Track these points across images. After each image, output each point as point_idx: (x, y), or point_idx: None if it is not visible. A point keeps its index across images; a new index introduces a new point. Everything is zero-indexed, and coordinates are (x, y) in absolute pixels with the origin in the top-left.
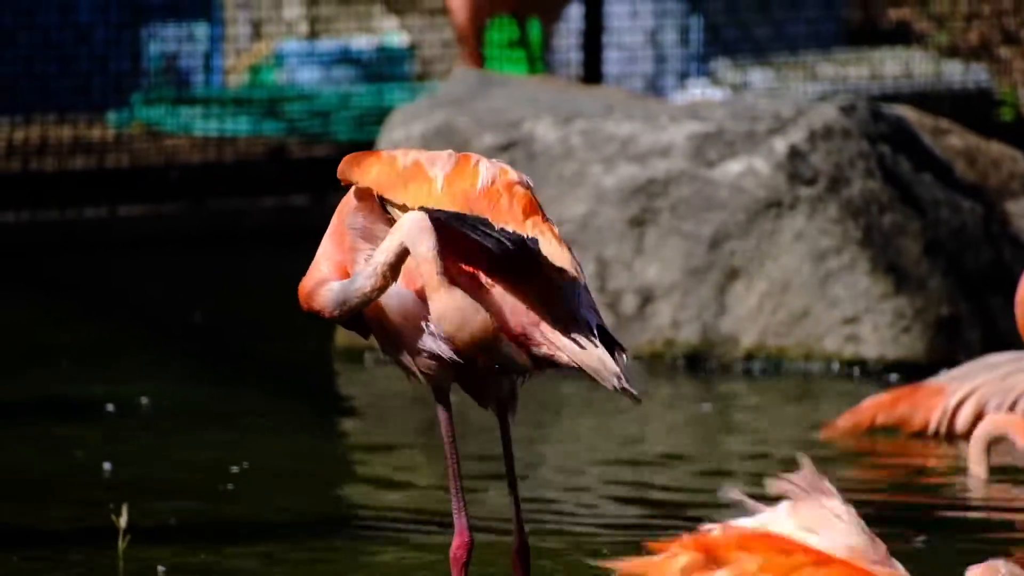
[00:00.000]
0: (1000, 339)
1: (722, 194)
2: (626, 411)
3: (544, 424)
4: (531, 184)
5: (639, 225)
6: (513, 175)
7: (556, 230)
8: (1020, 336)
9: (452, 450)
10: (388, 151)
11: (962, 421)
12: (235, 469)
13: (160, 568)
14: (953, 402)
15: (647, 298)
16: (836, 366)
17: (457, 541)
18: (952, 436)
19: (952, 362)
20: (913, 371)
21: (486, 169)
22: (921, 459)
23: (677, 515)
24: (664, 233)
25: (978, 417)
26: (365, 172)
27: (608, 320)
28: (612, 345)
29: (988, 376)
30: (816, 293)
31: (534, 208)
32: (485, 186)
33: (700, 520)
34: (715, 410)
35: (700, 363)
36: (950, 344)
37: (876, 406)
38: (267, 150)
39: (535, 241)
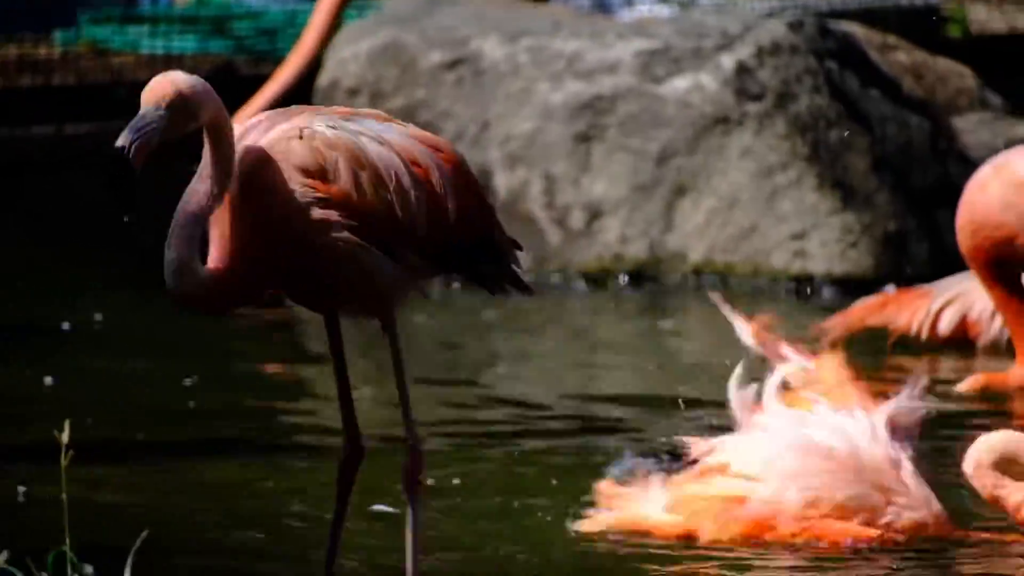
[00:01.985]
0: (947, 254)
1: (669, 111)
2: (583, 327)
3: (498, 343)
4: None
5: (586, 141)
6: None
7: None
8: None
9: (339, 364)
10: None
11: (945, 324)
12: (187, 382)
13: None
14: (937, 305)
15: (595, 214)
16: (783, 281)
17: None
18: (935, 339)
19: (899, 277)
20: (860, 286)
21: None
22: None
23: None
24: (611, 149)
25: (961, 321)
26: None
27: (556, 236)
28: None
29: (975, 282)
30: (763, 209)
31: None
32: None
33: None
34: (671, 324)
35: (647, 279)
36: (897, 259)
37: (865, 309)
38: (214, 68)
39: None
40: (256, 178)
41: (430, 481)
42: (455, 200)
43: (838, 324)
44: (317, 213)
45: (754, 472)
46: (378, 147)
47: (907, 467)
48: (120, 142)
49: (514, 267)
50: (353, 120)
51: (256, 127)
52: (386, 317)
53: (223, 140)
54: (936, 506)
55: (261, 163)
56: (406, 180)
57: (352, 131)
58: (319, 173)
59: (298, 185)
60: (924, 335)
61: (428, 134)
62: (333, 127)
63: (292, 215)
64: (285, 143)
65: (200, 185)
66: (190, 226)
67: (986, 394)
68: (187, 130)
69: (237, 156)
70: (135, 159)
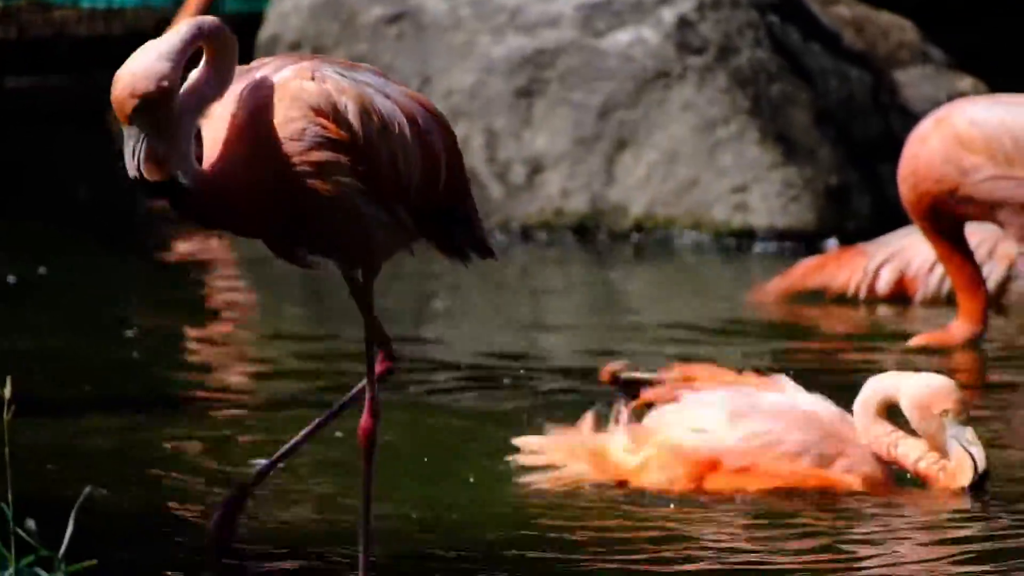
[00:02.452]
0: (889, 207)
1: (611, 64)
2: (524, 281)
3: (439, 298)
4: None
5: (528, 96)
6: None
7: None
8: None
9: None
10: None
11: (883, 283)
12: (129, 334)
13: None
14: (874, 264)
15: (536, 168)
16: (725, 235)
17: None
18: (873, 298)
19: (842, 231)
20: (802, 240)
21: None
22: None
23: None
24: (553, 103)
25: (899, 279)
26: None
27: (498, 190)
28: None
29: (910, 240)
30: (705, 163)
31: None
32: None
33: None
34: (614, 279)
35: (589, 232)
36: (839, 213)
37: (804, 270)
38: (156, 22)
39: None
40: (268, 110)
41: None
42: (446, 162)
43: (779, 286)
44: (325, 154)
45: (703, 423)
46: (383, 99)
47: (855, 427)
48: (131, 174)
49: (480, 232)
50: (357, 71)
51: (265, 65)
52: (368, 269)
53: (222, 51)
54: (880, 465)
55: (275, 96)
56: (407, 135)
57: (359, 81)
58: (330, 115)
59: (310, 123)
60: (862, 294)
61: (423, 96)
62: (342, 74)
63: (299, 152)
64: (299, 82)
65: (197, 87)
66: (187, 125)
67: (930, 351)
68: (175, 101)
69: (248, 89)
70: (152, 174)
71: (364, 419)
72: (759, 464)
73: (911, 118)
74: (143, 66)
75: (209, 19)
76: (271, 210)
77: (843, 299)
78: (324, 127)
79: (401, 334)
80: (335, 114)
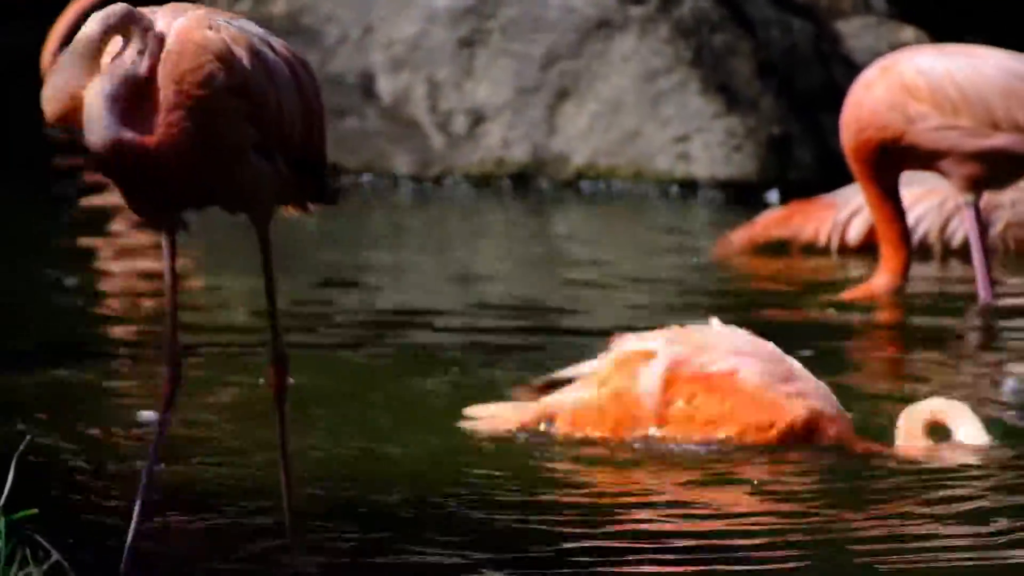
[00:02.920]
0: (831, 157)
1: (552, 14)
2: (466, 230)
3: (381, 247)
4: None
5: (469, 46)
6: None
7: None
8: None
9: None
10: None
11: (854, 233)
12: (70, 283)
13: None
14: (844, 215)
15: (478, 119)
16: (667, 185)
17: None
18: (843, 249)
19: (784, 181)
20: (744, 190)
21: None
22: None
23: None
24: (494, 54)
25: (869, 230)
26: None
27: (439, 141)
28: None
29: None
30: (647, 113)
31: None
32: None
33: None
34: (552, 226)
35: (530, 183)
36: (781, 162)
37: (770, 220)
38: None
39: None
40: (184, 60)
41: (323, 387)
42: (318, 112)
43: (743, 236)
44: (230, 101)
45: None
46: (267, 49)
47: (795, 363)
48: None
49: (331, 182)
50: (242, 21)
51: (162, 14)
52: (262, 219)
53: (136, 30)
54: (833, 407)
55: (190, 47)
56: (291, 86)
57: (246, 31)
58: (229, 64)
59: (214, 70)
60: (833, 245)
61: (290, 47)
62: (230, 24)
63: (209, 100)
64: (201, 32)
65: (127, 57)
66: (117, 89)
67: (858, 305)
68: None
69: (155, 39)
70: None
71: (273, 368)
72: (711, 380)
73: (853, 68)
74: (57, 88)
75: (116, 9)
76: (178, 160)
77: (808, 250)
78: (229, 75)
79: (344, 283)
80: (234, 62)
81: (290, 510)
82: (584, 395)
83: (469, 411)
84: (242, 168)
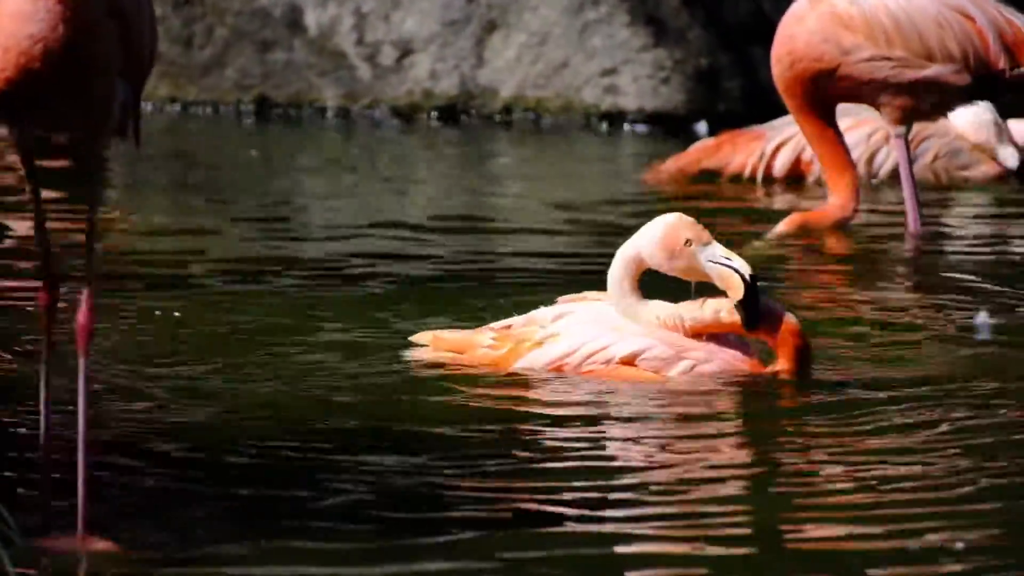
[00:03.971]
0: (760, 89)
1: None
2: (393, 162)
3: (310, 177)
4: None
5: None
6: None
7: None
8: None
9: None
10: None
11: (779, 165)
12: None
13: None
14: (771, 146)
15: (405, 50)
16: (595, 118)
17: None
18: (769, 179)
19: (711, 112)
20: (672, 122)
21: None
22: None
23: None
24: None
25: (795, 161)
26: None
27: (367, 72)
28: None
29: None
30: (575, 45)
31: None
32: None
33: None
34: (480, 157)
35: (458, 115)
36: (709, 95)
37: (700, 151)
38: None
39: None
40: None
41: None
42: (155, 34)
43: (673, 166)
44: (109, 23)
45: (556, 328)
46: None
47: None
48: None
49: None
50: None
51: None
52: (102, 146)
53: None
54: (736, 351)
55: None
56: (146, 13)
57: None
58: None
59: None
60: (759, 176)
61: None
62: None
63: (90, 20)
64: None
65: None
66: None
67: (803, 233)
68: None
69: None
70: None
71: (83, 314)
72: (599, 371)
73: (782, 1)
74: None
75: None
76: (60, 74)
77: (737, 180)
78: None
79: (275, 210)
80: None
81: (85, 463)
82: (489, 350)
83: (399, 347)
84: (105, 91)
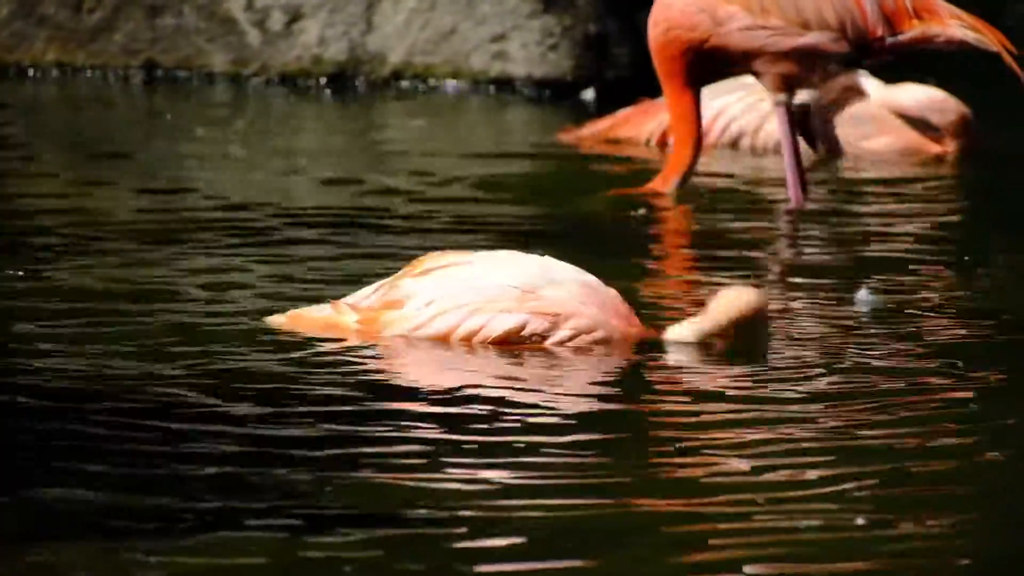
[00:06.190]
0: (649, 56)
1: None
2: (281, 128)
3: (198, 142)
4: None
5: None
6: None
7: None
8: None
9: None
10: None
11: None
12: None
13: None
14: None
15: (294, 16)
16: (483, 83)
17: None
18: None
19: (600, 79)
20: (561, 88)
21: None
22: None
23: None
24: None
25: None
26: None
27: (256, 38)
28: None
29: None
30: (464, 11)
31: None
32: None
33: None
34: (368, 124)
35: (347, 80)
36: (598, 61)
37: (614, 120)
38: None
39: None
40: None
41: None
42: None
43: (590, 132)
44: None
45: (430, 301)
46: None
47: (585, 292)
48: None
49: None
50: None
51: None
52: None
53: None
54: (619, 321)
55: None
56: None
57: None
58: None
59: None
60: (654, 142)
61: None
62: None
63: None
64: None
65: None
66: None
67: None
68: None
69: None
70: None
71: None
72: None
73: None
74: None
75: None
76: None
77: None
78: None
79: (162, 176)
80: None
81: None
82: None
83: (274, 318)
84: None
